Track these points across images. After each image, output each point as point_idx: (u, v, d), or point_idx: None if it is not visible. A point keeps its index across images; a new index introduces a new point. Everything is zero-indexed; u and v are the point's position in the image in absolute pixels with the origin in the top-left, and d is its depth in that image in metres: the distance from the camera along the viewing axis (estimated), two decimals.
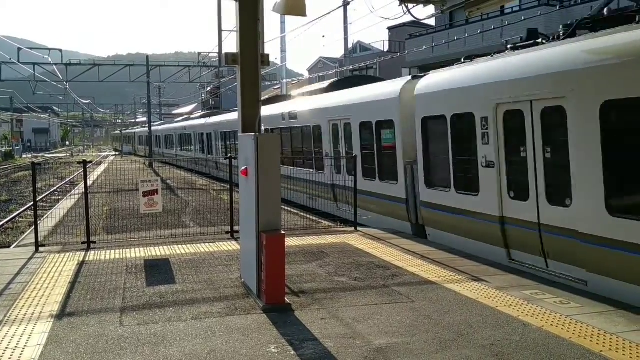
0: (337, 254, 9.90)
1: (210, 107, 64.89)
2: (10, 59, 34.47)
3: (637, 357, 5.27)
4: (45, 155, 75.51)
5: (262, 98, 8.07)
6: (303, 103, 18.39)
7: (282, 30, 32.19)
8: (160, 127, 55.61)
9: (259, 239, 6.92)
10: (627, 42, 6.90)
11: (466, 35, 24.76)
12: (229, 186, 13.24)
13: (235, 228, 11.28)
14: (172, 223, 14.25)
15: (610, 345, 5.53)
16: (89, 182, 11.84)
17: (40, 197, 22.40)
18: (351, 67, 35.19)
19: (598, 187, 7.08)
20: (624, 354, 5.32)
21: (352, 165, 13.40)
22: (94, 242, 10.85)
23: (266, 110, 19.53)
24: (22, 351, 5.53)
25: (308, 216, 15.50)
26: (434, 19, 32.68)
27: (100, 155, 73.72)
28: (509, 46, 9.53)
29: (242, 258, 8.13)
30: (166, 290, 7.66)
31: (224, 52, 8.15)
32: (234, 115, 22.47)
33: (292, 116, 18.08)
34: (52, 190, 27.57)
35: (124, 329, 6.13)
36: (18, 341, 5.80)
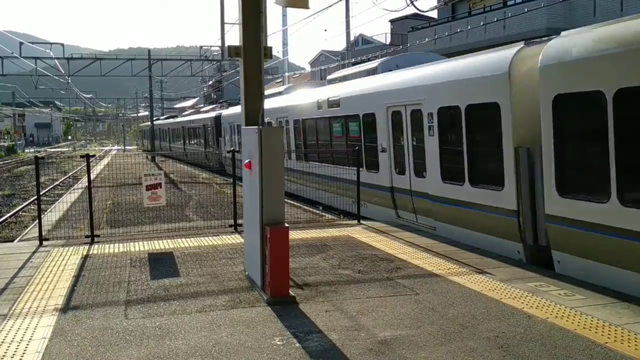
0: (340, 246, 9.90)
1: (212, 100, 64.72)
2: (12, 53, 34.43)
3: None
4: (48, 150, 75.60)
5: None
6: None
7: (284, 23, 32.11)
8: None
9: (263, 232, 6.92)
10: None
11: (469, 28, 24.65)
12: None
13: (239, 221, 11.28)
14: (175, 216, 14.27)
15: (615, 337, 5.53)
16: (92, 176, 11.84)
17: (44, 191, 22.43)
18: (353, 60, 35.10)
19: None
20: (629, 346, 5.32)
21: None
22: (98, 236, 10.88)
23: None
24: (27, 344, 5.55)
25: (311, 209, 15.50)
26: (436, 11, 32.54)
27: (102, 150, 73.74)
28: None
29: (245, 251, 8.14)
30: (170, 283, 7.68)
31: (226, 44, 8.12)
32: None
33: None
34: (55, 184, 27.62)
35: (128, 322, 6.14)
36: (23, 334, 5.81)
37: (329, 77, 18.31)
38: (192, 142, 40.24)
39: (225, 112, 31.03)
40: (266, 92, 24.92)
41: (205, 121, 34.97)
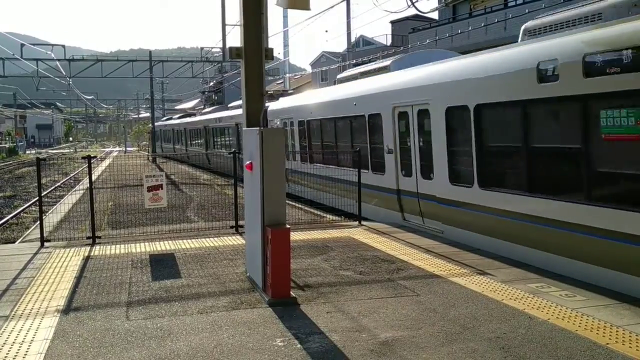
0: (341, 248, 9.90)
1: (213, 102, 64.66)
2: (14, 54, 34.52)
3: None
4: (49, 151, 75.66)
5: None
6: None
7: (285, 24, 32.11)
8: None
9: (264, 233, 6.93)
10: None
11: (470, 29, 24.67)
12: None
13: (240, 222, 11.29)
14: (176, 218, 14.27)
15: (617, 338, 5.53)
16: (93, 178, 11.85)
17: (45, 193, 22.44)
18: (354, 61, 35.11)
19: None
20: (630, 347, 5.32)
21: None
22: (99, 237, 10.88)
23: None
24: (29, 345, 5.56)
25: (312, 210, 15.50)
26: (437, 12, 32.55)
27: (104, 151, 73.79)
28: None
29: (247, 252, 8.14)
30: (172, 284, 7.68)
31: (227, 46, 8.13)
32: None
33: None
34: (56, 185, 27.64)
35: (130, 323, 6.15)
36: (25, 336, 5.82)
37: (528, 25, 9.46)
38: (218, 145, 32.58)
39: (274, 105, 21.30)
40: (365, 69, 16.07)
41: (237, 119, 27.18)
